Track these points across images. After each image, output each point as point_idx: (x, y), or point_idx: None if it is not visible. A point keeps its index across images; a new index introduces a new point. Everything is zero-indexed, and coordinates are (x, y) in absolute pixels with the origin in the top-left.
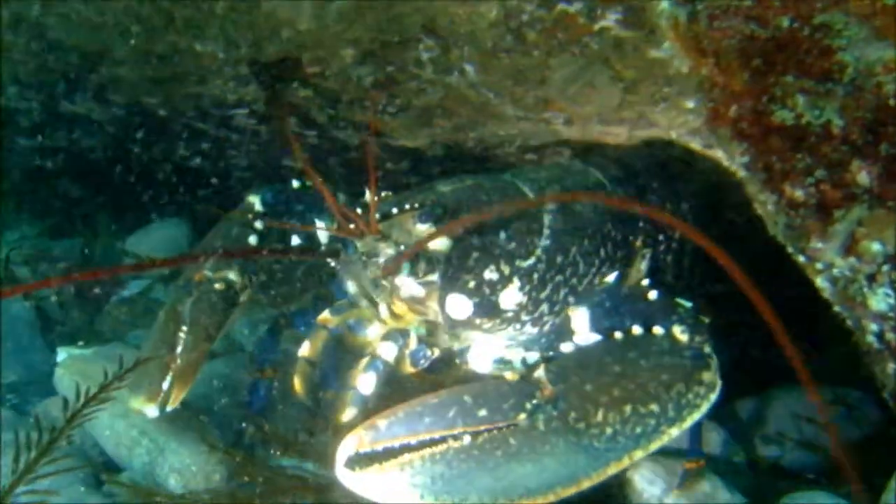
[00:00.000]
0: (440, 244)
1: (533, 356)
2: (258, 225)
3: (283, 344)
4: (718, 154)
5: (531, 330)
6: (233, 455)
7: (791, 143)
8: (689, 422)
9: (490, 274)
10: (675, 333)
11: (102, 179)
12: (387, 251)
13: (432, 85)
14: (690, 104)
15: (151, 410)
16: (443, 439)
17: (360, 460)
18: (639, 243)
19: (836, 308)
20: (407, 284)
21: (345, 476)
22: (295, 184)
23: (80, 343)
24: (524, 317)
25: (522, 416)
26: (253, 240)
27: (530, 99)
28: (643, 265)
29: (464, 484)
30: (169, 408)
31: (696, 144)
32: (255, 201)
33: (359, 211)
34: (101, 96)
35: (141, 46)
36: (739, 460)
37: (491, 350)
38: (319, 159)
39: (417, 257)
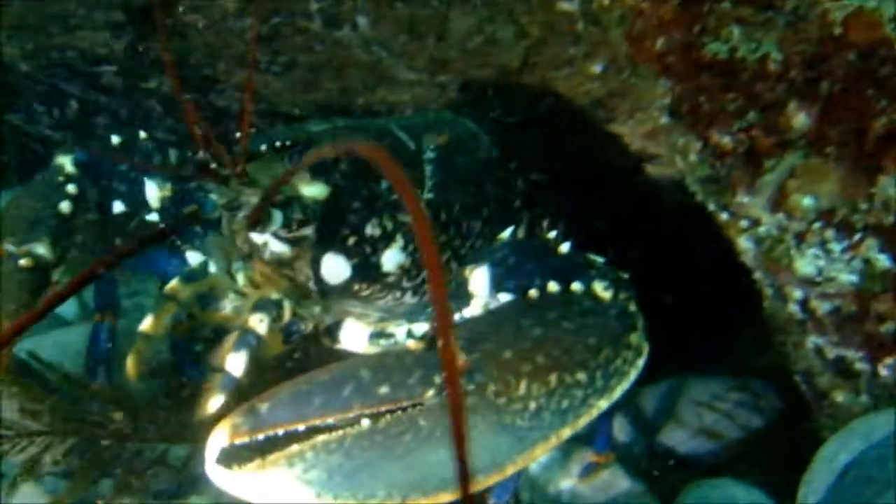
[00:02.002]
0: (315, 190)
1: (421, 328)
2: (70, 189)
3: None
4: (621, 129)
5: (410, 300)
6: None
7: (722, 81)
8: (617, 392)
9: (372, 229)
10: (596, 290)
11: None
12: (253, 200)
13: (320, 40)
14: (597, 69)
15: None
16: (338, 424)
17: (237, 454)
18: (517, 205)
19: (757, 275)
20: (272, 243)
21: (217, 475)
22: (115, 139)
23: None
24: (405, 283)
25: (431, 392)
26: (66, 206)
27: (425, 58)
28: (521, 230)
29: (368, 477)
30: None
31: (599, 115)
32: (66, 162)
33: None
34: None
35: None
36: (638, 448)
37: (366, 324)
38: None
39: (290, 204)
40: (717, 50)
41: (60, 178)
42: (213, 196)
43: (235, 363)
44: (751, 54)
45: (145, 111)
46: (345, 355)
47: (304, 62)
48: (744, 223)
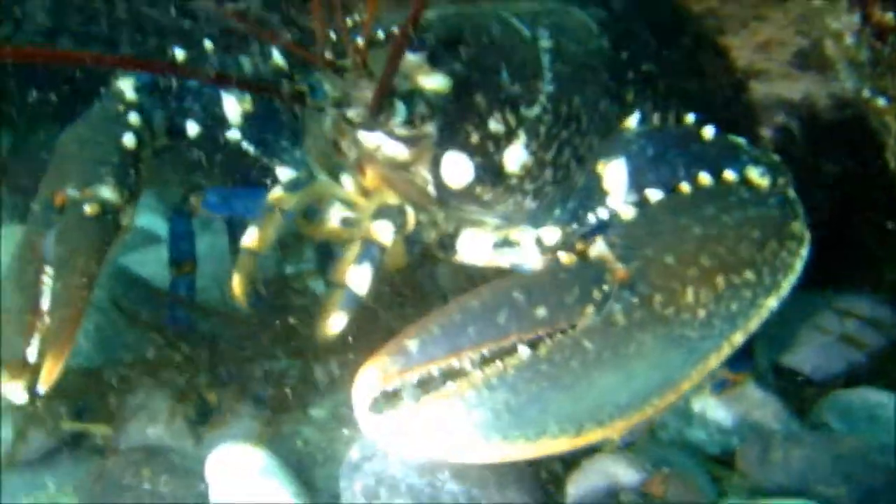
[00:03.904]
0: (436, 82)
1: (551, 234)
2: (133, 119)
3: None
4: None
5: (531, 204)
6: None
7: None
8: (785, 287)
9: (495, 125)
10: (751, 177)
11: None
12: (367, 95)
13: None
14: None
15: (16, 392)
16: (495, 355)
17: (388, 399)
18: (630, 97)
19: None
20: (386, 144)
21: (373, 425)
22: (179, 53)
23: None
24: (527, 185)
25: (590, 308)
26: (129, 140)
27: None
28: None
29: (538, 412)
30: (41, 388)
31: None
32: (126, 87)
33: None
34: None
35: None
36: (765, 362)
37: (485, 233)
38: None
39: (412, 97)
40: None
41: (121, 108)
42: (326, 86)
43: (359, 278)
44: None
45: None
46: (465, 269)
47: None
48: None
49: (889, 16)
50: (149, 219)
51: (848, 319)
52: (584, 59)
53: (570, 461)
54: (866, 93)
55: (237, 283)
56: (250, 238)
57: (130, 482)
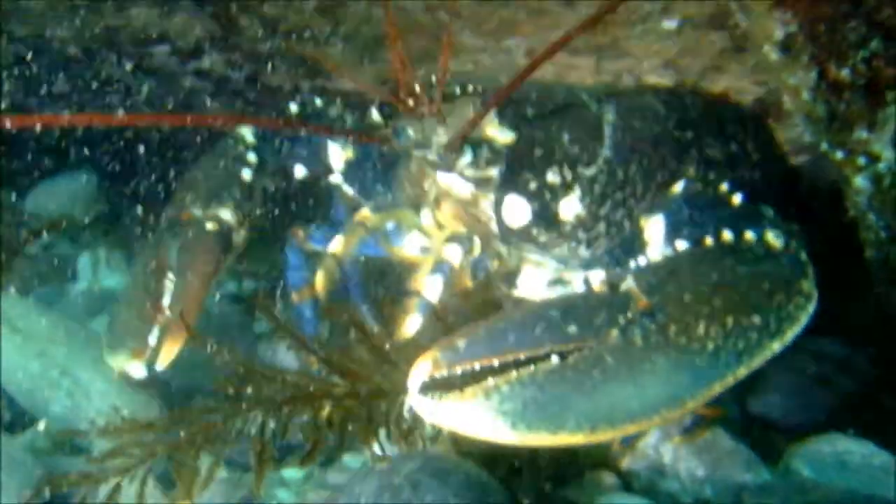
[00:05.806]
0: (503, 135)
1: (597, 276)
2: (251, 157)
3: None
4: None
5: (585, 252)
6: None
7: (844, 8)
8: (789, 335)
9: (553, 176)
10: (768, 239)
11: None
12: (442, 139)
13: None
14: (671, 25)
15: (136, 369)
16: (529, 361)
17: (436, 386)
18: (691, 173)
19: (870, 216)
20: (457, 184)
21: (421, 404)
22: (293, 108)
23: None
24: (580, 233)
25: (615, 331)
26: (246, 174)
27: (494, 22)
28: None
29: (559, 409)
30: (159, 367)
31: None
32: (247, 132)
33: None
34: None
35: None
36: (732, 412)
37: (543, 272)
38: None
39: (479, 144)
40: None
41: (241, 148)
42: (409, 131)
43: (432, 287)
44: None
45: (190, 92)
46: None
47: (366, 32)
48: (861, 160)
49: (844, 73)
50: (119, 279)
51: (823, 362)
52: (646, 134)
53: None
54: (824, 146)
55: (321, 282)
56: (336, 244)
57: None
